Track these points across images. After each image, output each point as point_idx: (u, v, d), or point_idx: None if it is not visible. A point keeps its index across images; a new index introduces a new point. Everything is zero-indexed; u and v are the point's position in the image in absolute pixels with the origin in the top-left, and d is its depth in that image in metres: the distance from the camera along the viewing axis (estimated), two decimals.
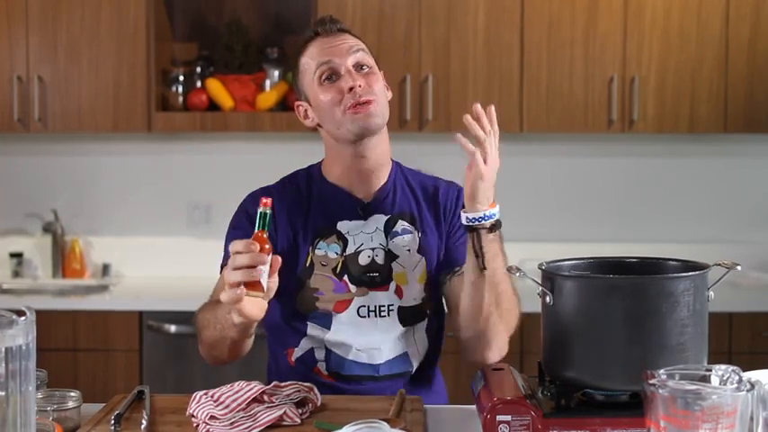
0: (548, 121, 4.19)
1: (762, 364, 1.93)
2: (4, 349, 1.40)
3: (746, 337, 3.95)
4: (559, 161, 4.55)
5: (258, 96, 4.32)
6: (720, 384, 1.39)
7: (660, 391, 1.36)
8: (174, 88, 4.39)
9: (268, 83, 4.35)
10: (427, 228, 2.15)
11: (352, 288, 2.10)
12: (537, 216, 4.54)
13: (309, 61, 2.11)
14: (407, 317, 2.12)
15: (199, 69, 4.41)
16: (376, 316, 2.10)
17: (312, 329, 2.12)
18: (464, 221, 1.94)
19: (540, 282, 1.75)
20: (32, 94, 4.20)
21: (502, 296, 2.01)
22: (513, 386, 1.76)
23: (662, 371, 1.41)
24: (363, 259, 2.11)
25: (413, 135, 4.32)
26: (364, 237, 2.12)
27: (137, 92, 4.21)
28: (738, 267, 1.71)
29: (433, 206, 2.18)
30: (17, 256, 4.54)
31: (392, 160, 2.22)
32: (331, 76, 2.08)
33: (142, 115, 4.21)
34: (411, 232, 2.13)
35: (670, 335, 1.64)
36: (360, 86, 2.05)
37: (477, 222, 1.93)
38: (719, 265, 1.72)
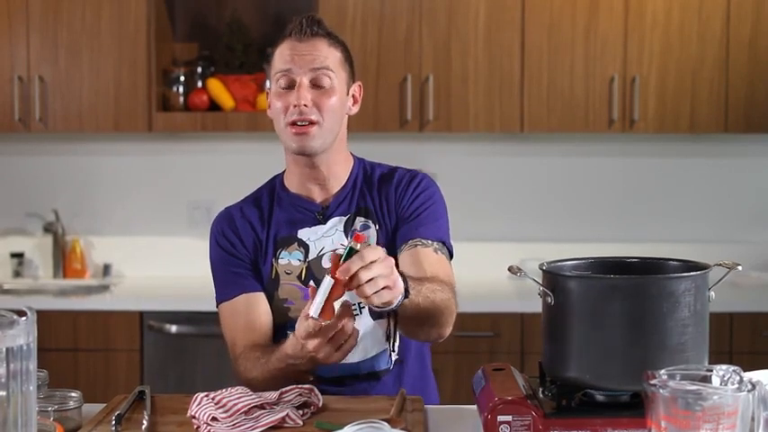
0: (548, 120, 4.19)
1: (762, 364, 1.94)
2: (4, 349, 1.39)
3: (747, 337, 3.95)
4: (560, 161, 4.55)
5: (259, 96, 4.32)
6: (721, 385, 1.39)
7: (661, 391, 1.36)
8: (174, 88, 4.39)
9: (268, 83, 4.35)
10: (384, 217, 2.14)
11: None
12: (538, 216, 4.54)
13: (276, 58, 2.12)
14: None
15: (200, 69, 4.41)
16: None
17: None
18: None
19: (540, 282, 1.75)
20: (33, 94, 4.20)
21: (436, 307, 1.95)
22: (513, 386, 1.76)
23: (663, 371, 1.41)
24: (326, 262, 2.11)
25: (414, 135, 4.32)
26: (325, 240, 2.13)
27: (137, 92, 4.21)
28: (739, 267, 1.71)
29: (386, 190, 2.16)
30: (18, 256, 4.54)
31: (355, 157, 2.22)
32: (288, 84, 2.08)
33: (143, 115, 4.21)
34: (369, 227, 2.13)
35: (671, 335, 1.64)
36: (305, 106, 2.04)
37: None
38: (720, 265, 1.72)
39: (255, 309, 2.12)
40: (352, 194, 2.16)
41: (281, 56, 2.10)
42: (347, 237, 2.12)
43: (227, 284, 2.16)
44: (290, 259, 2.13)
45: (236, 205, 2.23)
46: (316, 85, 2.07)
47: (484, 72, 4.17)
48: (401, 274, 1.79)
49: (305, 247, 2.13)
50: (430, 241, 2.07)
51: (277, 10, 4.45)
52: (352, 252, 1.69)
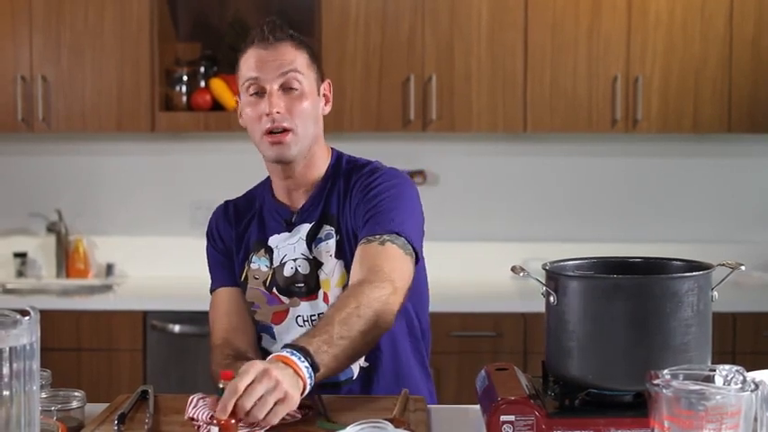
0: (551, 120, 4.19)
1: (765, 363, 1.94)
2: (8, 349, 1.40)
3: (750, 337, 3.94)
4: (563, 161, 4.55)
5: None
6: (724, 384, 1.39)
7: (664, 391, 1.36)
8: (177, 88, 4.39)
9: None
10: (346, 222, 2.10)
11: (285, 299, 2.12)
12: (540, 216, 4.54)
13: (243, 67, 2.09)
14: None
15: (202, 69, 4.41)
16: (311, 325, 2.08)
17: (264, 341, 2.17)
18: None
19: (543, 282, 1.74)
20: (36, 94, 4.21)
21: (361, 335, 1.83)
22: (517, 386, 1.76)
23: (666, 371, 1.41)
24: (287, 271, 2.11)
25: (417, 135, 4.32)
26: (288, 248, 2.12)
27: (140, 92, 4.21)
28: (742, 267, 1.70)
29: (349, 190, 2.11)
30: (21, 255, 4.55)
31: (333, 152, 2.20)
32: (257, 91, 2.06)
33: (146, 115, 4.22)
34: (332, 236, 2.10)
35: (674, 335, 1.64)
36: (278, 113, 2.03)
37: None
38: (723, 265, 1.72)
39: (231, 302, 2.17)
40: (319, 199, 2.13)
41: (247, 64, 2.07)
42: (311, 246, 2.10)
43: (212, 275, 2.24)
44: (259, 264, 2.15)
45: (230, 201, 2.27)
46: (286, 90, 2.06)
47: (487, 72, 4.17)
48: (302, 349, 1.68)
49: (270, 253, 2.14)
50: (378, 235, 1.98)
51: (280, 9, 4.45)
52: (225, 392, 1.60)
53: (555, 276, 1.73)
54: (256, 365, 1.60)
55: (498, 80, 4.17)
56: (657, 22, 4.16)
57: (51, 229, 4.54)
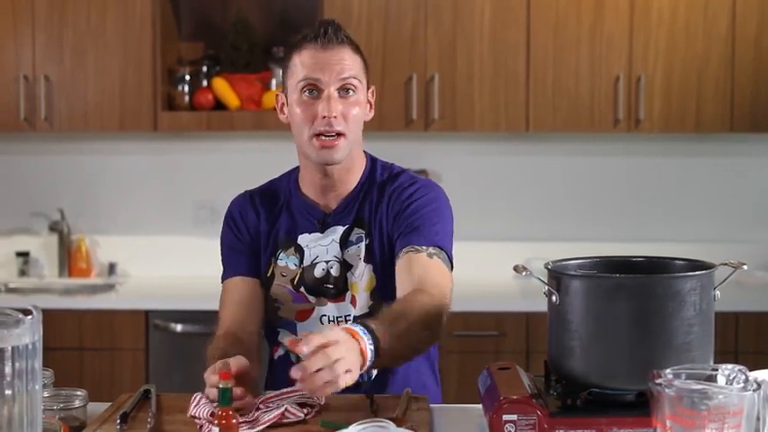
0: (554, 120, 4.18)
1: None
2: (10, 348, 1.40)
3: (752, 336, 3.94)
4: (565, 160, 4.54)
5: (264, 95, 4.32)
6: (727, 384, 1.39)
7: (666, 390, 1.36)
8: (180, 87, 4.39)
9: (274, 82, 4.36)
10: (376, 228, 2.11)
11: (312, 299, 2.12)
12: (543, 215, 4.54)
13: (299, 65, 2.06)
14: None
15: (205, 68, 4.41)
16: (336, 325, 2.08)
17: (282, 336, 2.17)
18: None
19: (546, 281, 1.75)
20: (39, 94, 4.21)
21: (416, 338, 1.88)
22: (519, 385, 1.76)
23: (668, 370, 1.41)
24: (318, 272, 2.12)
25: (419, 134, 4.32)
26: (320, 249, 2.12)
27: (143, 91, 4.21)
28: (745, 267, 1.71)
29: (384, 197, 2.13)
30: (23, 255, 4.55)
31: (367, 158, 2.21)
32: (313, 91, 2.05)
33: (148, 115, 4.22)
34: (363, 239, 2.12)
35: (676, 334, 1.64)
36: (335, 118, 2.03)
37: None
38: (726, 264, 1.72)
39: (245, 290, 2.15)
40: (354, 203, 2.14)
41: (305, 63, 2.05)
42: (342, 248, 2.11)
43: (226, 264, 2.20)
44: (287, 262, 2.14)
45: (253, 192, 2.24)
46: (342, 93, 2.06)
47: (489, 71, 4.17)
48: (372, 332, 1.70)
49: (300, 252, 2.14)
50: (424, 247, 2.03)
51: (282, 9, 4.45)
52: (225, 393, 1.61)
53: (557, 276, 1.73)
54: (337, 332, 1.63)
55: (501, 80, 4.17)
56: (660, 21, 4.15)
57: (54, 228, 4.54)
